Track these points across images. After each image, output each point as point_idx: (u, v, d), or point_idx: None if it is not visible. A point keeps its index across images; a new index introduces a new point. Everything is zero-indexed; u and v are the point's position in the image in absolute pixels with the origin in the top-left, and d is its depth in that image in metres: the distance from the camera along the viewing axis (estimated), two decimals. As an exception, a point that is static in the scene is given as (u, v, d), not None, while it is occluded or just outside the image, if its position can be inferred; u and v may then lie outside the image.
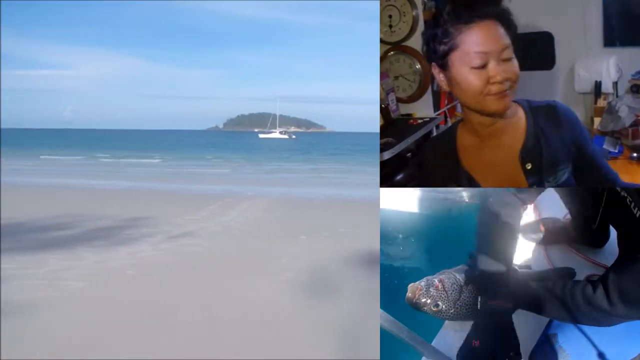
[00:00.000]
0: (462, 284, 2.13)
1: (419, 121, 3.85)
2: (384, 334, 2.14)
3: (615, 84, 3.70)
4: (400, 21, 3.84)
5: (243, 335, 3.76)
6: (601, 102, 3.71)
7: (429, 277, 2.19)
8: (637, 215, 1.82)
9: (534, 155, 1.99)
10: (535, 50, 3.79)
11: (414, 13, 3.81)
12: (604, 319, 1.90)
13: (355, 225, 8.04)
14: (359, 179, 17.42)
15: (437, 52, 1.91)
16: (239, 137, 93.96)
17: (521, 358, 2.07)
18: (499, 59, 1.82)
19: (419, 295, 2.12)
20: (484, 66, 1.82)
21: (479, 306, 2.07)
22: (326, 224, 8.16)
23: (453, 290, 2.11)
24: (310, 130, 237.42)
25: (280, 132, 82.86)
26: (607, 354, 2.11)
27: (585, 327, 2.14)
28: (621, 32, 3.64)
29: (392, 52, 3.98)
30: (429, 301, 2.11)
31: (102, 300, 4.52)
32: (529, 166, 1.99)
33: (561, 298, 1.95)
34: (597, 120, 3.68)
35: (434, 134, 3.83)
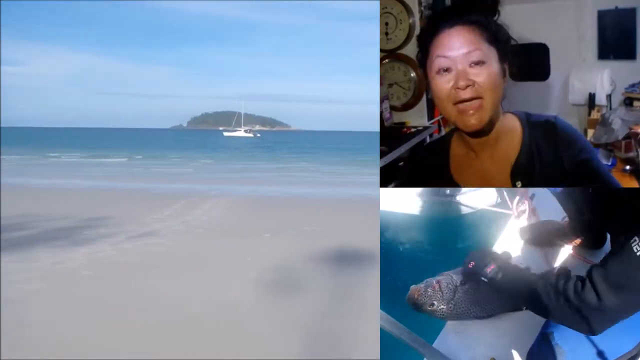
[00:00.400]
0: (457, 284, 2.23)
1: (412, 130, 3.79)
2: (384, 335, 2.16)
3: (609, 96, 3.72)
4: (396, 29, 3.78)
5: (206, 335, 3.69)
6: (595, 114, 3.73)
7: (429, 279, 2.30)
8: (630, 215, 1.77)
9: (526, 172, 1.93)
10: (530, 62, 3.77)
11: (410, 21, 3.76)
12: (596, 315, 1.81)
13: (323, 223, 8.03)
14: (328, 178, 17.42)
15: (419, 61, 1.91)
16: (203, 135, 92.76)
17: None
18: (465, 63, 1.76)
19: (418, 296, 2.25)
20: (448, 70, 1.78)
21: None
22: (291, 222, 8.07)
23: (448, 290, 2.23)
24: (275, 129, 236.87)
25: (245, 131, 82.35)
26: (605, 351, 2.09)
27: None
28: (615, 45, 3.67)
29: (387, 60, 3.91)
30: (425, 301, 2.24)
31: (60, 301, 4.37)
32: (519, 184, 1.94)
33: (556, 293, 1.89)
34: (590, 132, 3.69)
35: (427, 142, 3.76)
